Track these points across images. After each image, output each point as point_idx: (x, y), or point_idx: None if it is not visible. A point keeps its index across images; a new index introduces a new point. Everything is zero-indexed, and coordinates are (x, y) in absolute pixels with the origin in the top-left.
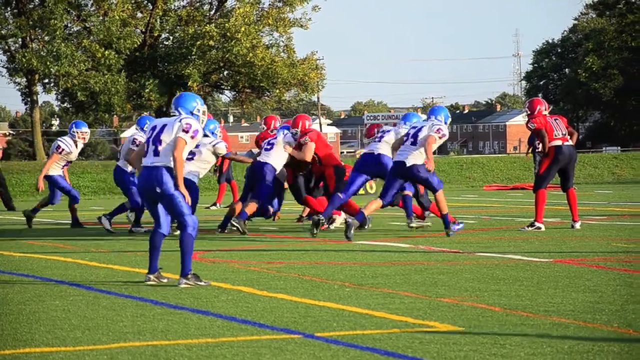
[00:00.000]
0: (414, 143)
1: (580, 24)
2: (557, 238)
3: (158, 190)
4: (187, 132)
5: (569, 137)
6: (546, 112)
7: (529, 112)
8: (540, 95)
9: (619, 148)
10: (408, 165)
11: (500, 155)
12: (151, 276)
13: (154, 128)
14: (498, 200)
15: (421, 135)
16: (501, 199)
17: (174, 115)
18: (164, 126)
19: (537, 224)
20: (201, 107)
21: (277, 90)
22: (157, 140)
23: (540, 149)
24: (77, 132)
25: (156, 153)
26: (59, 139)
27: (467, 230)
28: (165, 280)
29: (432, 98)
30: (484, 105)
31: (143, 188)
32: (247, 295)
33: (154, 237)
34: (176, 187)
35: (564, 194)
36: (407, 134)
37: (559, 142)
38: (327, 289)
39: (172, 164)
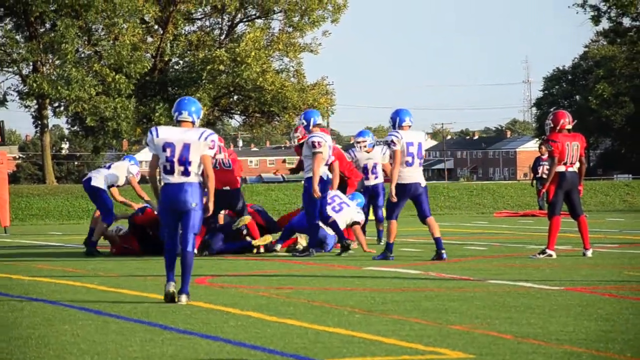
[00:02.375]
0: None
1: (591, 51)
2: (569, 266)
3: (192, 205)
4: (212, 149)
5: (578, 164)
6: (569, 127)
7: (552, 125)
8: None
9: (631, 176)
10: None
11: (510, 181)
12: (172, 283)
13: (170, 146)
14: (508, 227)
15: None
16: (511, 226)
17: (184, 121)
18: (187, 145)
19: (549, 252)
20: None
21: (287, 115)
22: (186, 162)
23: (540, 174)
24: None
25: (187, 173)
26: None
27: (478, 257)
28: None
29: (442, 124)
30: (494, 131)
31: (171, 204)
32: (257, 321)
33: (172, 253)
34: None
35: (574, 221)
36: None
37: (562, 169)
38: (337, 315)
39: (199, 180)
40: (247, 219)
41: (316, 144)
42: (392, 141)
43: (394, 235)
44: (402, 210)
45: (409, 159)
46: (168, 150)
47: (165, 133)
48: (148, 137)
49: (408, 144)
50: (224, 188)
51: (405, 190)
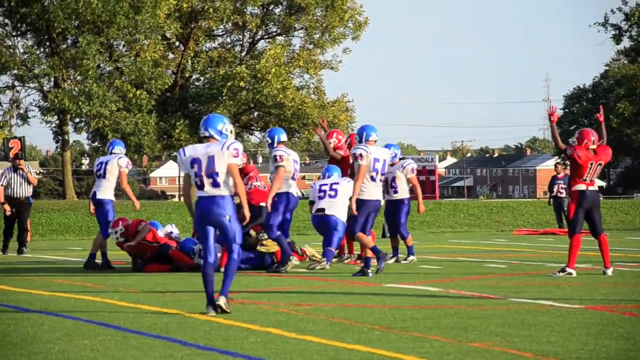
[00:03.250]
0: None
1: (612, 70)
2: (589, 284)
3: (226, 217)
4: (237, 157)
5: (597, 180)
6: (594, 146)
7: (576, 143)
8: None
9: None
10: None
11: (530, 199)
12: (211, 308)
13: (197, 161)
14: (528, 244)
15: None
16: (531, 244)
17: (206, 137)
18: (212, 157)
19: (569, 270)
20: (229, 126)
21: (307, 132)
22: (214, 174)
23: (555, 193)
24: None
25: (216, 184)
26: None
27: (498, 275)
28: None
29: (462, 141)
30: (514, 149)
31: (207, 217)
32: (276, 337)
33: (208, 268)
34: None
35: (594, 239)
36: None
37: (582, 187)
38: (357, 332)
39: (230, 192)
40: (274, 246)
41: (278, 157)
42: (360, 155)
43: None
44: (406, 225)
45: (374, 174)
46: (195, 166)
47: (191, 151)
48: (178, 158)
49: (375, 160)
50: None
51: (368, 206)
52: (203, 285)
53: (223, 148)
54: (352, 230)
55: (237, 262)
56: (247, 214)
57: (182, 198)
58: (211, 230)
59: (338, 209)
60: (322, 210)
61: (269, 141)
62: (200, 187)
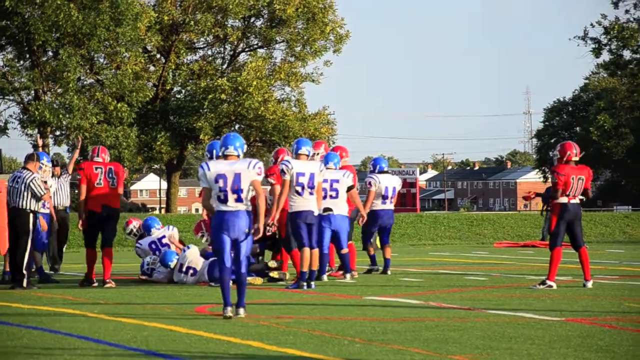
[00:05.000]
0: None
1: (592, 83)
2: (569, 297)
3: (245, 231)
4: (260, 175)
5: (582, 194)
6: (576, 158)
7: (559, 156)
8: (550, 153)
9: (630, 207)
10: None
11: (510, 212)
12: (229, 308)
13: (222, 177)
14: (509, 257)
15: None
16: (512, 256)
17: (231, 155)
18: (238, 175)
19: (549, 282)
20: (244, 145)
21: (288, 145)
22: (239, 190)
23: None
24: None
25: (240, 199)
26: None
27: (478, 287)
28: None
29: (443, 154)
30: (495, 162)
31: (227, 228)
32: (257, 350)
33: (225, 274)
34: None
35: (575, 252)
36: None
37: (564, 200)
38: (337, 345)
39: (248, 208)
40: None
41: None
42: (281, 170)
43: (307, 263)
44: (374, 237)
45: (299, 188)
46: (220, 181)
47: (215, 167)
48: (200, 171)
49: (298, 174)
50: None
51: (301, 217)
52: (221, 289)
53: (249, 167)
54: (297, 244)
55: (246, 275)
56: (262, 229)
57: (203, 207)
58: (228, 239)
59: (339, 208)
60: (330, 209)
61: (208, 155)
62: (224, 201)
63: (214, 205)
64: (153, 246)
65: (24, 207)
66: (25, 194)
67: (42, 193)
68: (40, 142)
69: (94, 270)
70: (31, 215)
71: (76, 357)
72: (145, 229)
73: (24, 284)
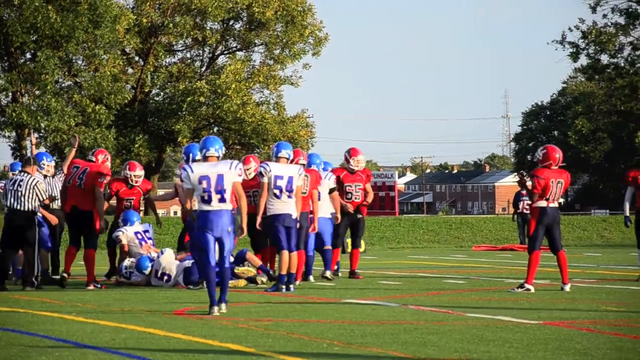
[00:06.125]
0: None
1: (569, 87)
2: (547, 300)
3: (229, 230)
4: (241, 176)
5: (560, 199)
6: (556, 167)
7: (541, 159)
8: (529, 157)
9: (608, 211)
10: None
11: (489, 215)
12: (215, 308)
13: (206, 178)
14: (487, 260)
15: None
16: (490, 260)
17: (211, 156)
18: (221, 176)
19: (527, 286)
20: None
21: (267, 147)
22: (222, 190)
23: (521, 210)
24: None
25: (223, 199)
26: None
27: (457, 290)
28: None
29: (422, 157)
30: (473, 165)
31: (211, 227)
32: (235, 353)
33: (211, 272)
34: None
35: (553, 255)
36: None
37: (543, 204)
38: (316, 347)
39: (231, 207)
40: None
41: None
42: (259, 172)
43: (286, 266)
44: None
45: (277, 191)
46: (204, 182)
47: (198, 169)
48: (182, 173)
49: (277, 177)
50: None
51: (279, 220)
52: (207, 289)
53: (231, 168)
54: (278, 247)
55: (229, 271)
56: (245, 228)
57: (184, 206)
58: (212, 238)
59: (322, 210)
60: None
61: (185, 158)
62: (208, 201)
63: (196, 206)
64: (139, 236)
65: (29, 209)
66: (29, 195)
67: (44, 197)
68: (34, 140)
69: (71, 266)
70: (35, 219)
71: (54, 359)
72: (125, 223)
73: (35, 284)
